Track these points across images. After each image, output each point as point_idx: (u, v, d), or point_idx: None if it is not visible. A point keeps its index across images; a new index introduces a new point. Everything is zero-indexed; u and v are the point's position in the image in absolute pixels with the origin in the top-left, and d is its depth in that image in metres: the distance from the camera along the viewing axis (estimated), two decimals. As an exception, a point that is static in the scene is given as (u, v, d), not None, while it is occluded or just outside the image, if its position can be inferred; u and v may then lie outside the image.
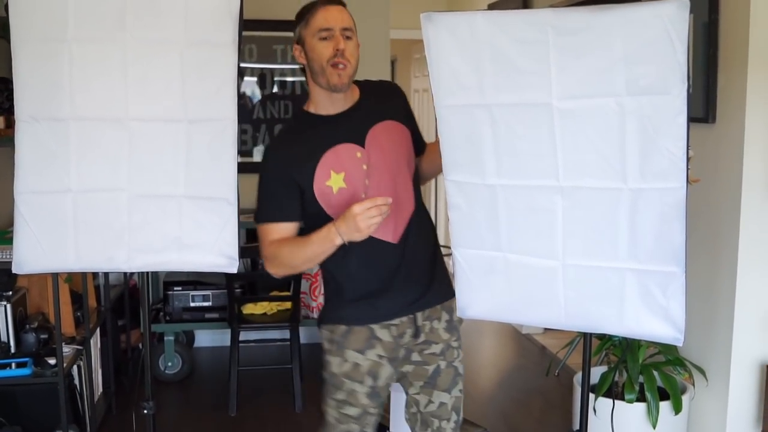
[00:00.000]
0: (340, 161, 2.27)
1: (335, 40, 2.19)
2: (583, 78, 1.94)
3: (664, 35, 1.82)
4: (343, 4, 2.27)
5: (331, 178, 2.26)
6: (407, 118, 2.43)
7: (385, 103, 2.41)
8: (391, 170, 2.33)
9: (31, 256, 2.26)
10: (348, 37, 2.22)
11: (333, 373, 2.40)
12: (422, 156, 2.50)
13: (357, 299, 2.38)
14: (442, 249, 2.53)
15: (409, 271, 2.38)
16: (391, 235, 2.34)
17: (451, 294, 2.42)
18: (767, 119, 3.08)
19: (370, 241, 2.22)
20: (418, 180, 2.45)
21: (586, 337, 2.29)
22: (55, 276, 3.18)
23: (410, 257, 2.38)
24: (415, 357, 2.43)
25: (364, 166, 2.28)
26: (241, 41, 2.23)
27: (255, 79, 5.15)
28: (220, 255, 2.29)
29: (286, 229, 2.30)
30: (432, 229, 2.51)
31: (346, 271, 2.35)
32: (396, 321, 2.38)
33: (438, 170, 2.31)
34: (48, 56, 2.19)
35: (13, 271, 2.29)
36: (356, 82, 2.37)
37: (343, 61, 2.19)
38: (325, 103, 2.31)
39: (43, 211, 2.24)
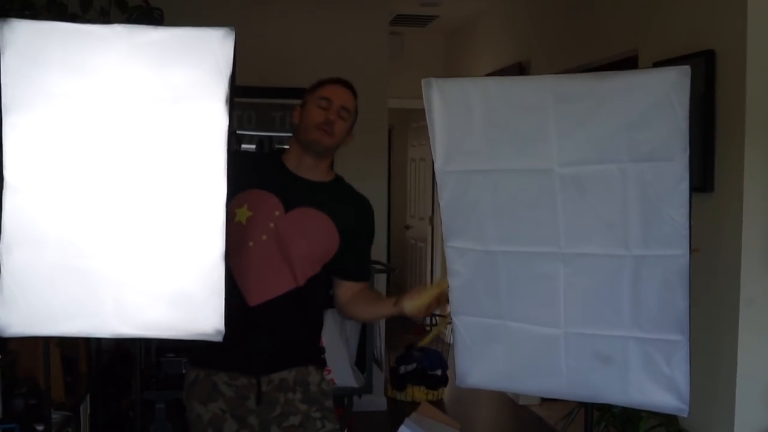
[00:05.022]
0: (258, 205, 2.32)
1: (331, 112, 2.32)
2: (584, 144, 1.94)
3: (666, 102, 1.83)
4: (354, 93, 2.40)
5: (241, 209, 2.31)
6: (349, 233, 2.42)
7: (339, 205, 2.41)
8: (292, 245, 2.32)
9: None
10: (342, 118, 2.35)
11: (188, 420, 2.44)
12: (350, 291, 2.50)
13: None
14: (436, 318, 2.48)
15: (261, 340, 2.35)
16: (250, 293, 2.31)
17: (303, 364, 2.40)
18: (765, 188, 3.09)
19: (235, 285, 2.26)
20: (329, 281, 2.47)
21: (588, 407, 2.24)
22: (46, 341, 3.13)
23: (263, 328, 2.34)
24: (275, 429, 2.38)
25: (272, 224, 2.31)
26: None
27: (253, 146, 5.17)
28: None
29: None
30: (316, 329, 2.50)
31: None
32: (238, 381, 2.36)
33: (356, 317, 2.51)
34: None
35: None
36: (341, 181, 2.48)
37: (329, 130, 2.32)
38: (295, 162, 2.40)
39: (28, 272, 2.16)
